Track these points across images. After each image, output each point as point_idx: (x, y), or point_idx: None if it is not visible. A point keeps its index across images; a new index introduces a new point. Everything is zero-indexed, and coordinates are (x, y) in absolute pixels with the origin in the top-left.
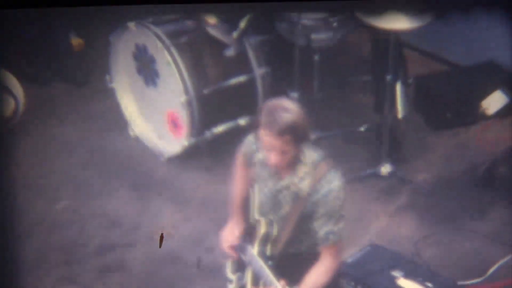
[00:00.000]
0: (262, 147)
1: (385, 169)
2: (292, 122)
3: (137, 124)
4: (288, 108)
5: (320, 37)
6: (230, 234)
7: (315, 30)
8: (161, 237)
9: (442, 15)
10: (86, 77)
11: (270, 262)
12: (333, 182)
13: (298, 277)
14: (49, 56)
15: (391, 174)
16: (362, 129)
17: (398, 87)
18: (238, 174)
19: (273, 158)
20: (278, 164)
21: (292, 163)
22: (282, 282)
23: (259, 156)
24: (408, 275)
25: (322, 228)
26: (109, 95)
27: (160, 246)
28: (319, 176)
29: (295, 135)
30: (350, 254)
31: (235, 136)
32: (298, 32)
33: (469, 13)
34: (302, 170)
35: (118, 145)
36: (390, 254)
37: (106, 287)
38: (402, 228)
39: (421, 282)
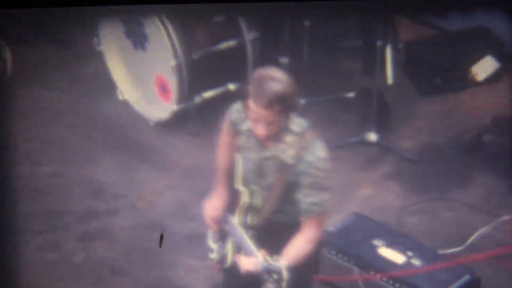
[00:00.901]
0: (249, 117)
1: (372, 136)
2: (280, 92)
3: (126, 88)
4: (276, 78)
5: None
6: (213, 204)
7: None
8: (161, 237)
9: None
10: (74, 38)
11: (251, 232)
12: (318, 152)
13: (279, 247)
14: (36, 17)
15: (377, 142)
16: (351, 95)
17: (388, 53)
18: (223, 143)
19: (260, 129)
20: (265, 135)
21: (280, 132)
22: (263, 252)
23: (246, 125)
24: (390, 245)
25: (305, 199)
26: (97, 58)
27: (160, 246)
28: (304, 145)
29: (283, 106)
30: (333, 223)
31: (224, 101)
32: None
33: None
34: (288, 139)
35: (106, 109)
36: (373, 223)
37: (88, 254)
38: (386, 197)
39: (402, 251)
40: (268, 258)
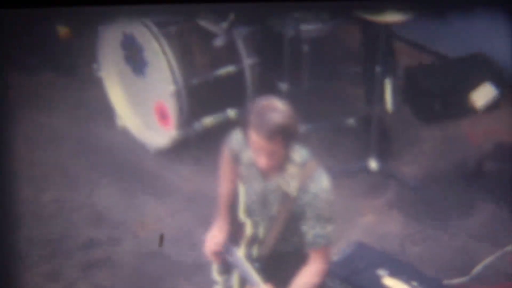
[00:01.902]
0: (250, 147)
1: (373, 163)
2: (281, 124)
3: (125, 114)
4: (278, 109)
5: (310, 28)
6: (214, 238)
7: (305, 21)
8: (161, 238)
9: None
10: (74, 65)
11: (256, 264)
12: (321, 183)
13: (286, 279)
14: (35, 44)
15: (379, 169)
16: (351, 121)
17: (388, 80)
18: (225, 171)
19: (262, 160)
20: (267, 166)
21: (282, 163)
22: (269, 286)
23: (247, 154)
24: (394, 274)
25: (310, 231)
26: (97, 84)
27: (160, 245)
28: (307, 176)
29: (285, 137)
30: (335, 251)
31: (224, 128)
32: (287, 23)
33: (459, 7)
34: (290, 170)
35: (105, 136)
36: (376, 252)
37: (91, 283)
38: (389, 225)
39: (406, 281)
40: None
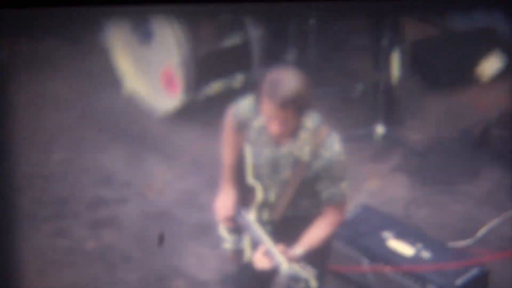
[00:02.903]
0: (263, 115)
1: (379, 130)
2: (295, 93)
3: (132, 81)
4: (291, 77)
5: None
6: (224, 204)
7: None
8: (161, 238)
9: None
10: (79, 33)
11: (267, 228)
12: (334, 147)
13: (297, 240)
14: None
15: (385, 135)
16: (358, 88)
17: (395, 52)
18: (228, 138)
19: (274, 128)
20: (280, 133)
21: (293, 130)
22: (280, 247)
23: (258, 121)
24: (398, 237)
25: (325, 191)
26: (102, 51)
27: (159, 245)
28: (319, 142)
29: (297, 105)
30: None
31: (230, 94)
32: None
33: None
34: (303, 136)
35: (112, 102)
36: (381, 215)
37: (98, 242)
38: (394, 190)
39: (411, 243)
40: (294, 265)
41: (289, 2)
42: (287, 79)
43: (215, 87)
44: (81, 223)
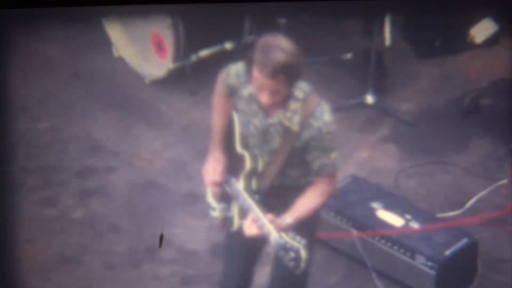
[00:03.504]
0: (253, 84)
1: (370, 98)
2: (286, 63)
3: (121, 45)
4: (282, 47)
5: None
6: (213, 170)
7: None
8: (161, 238)
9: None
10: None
11: (256, 196)
12: (324, 117)
13: (285, 210)
14: None
15: (374, 105)
16: (348, 56)
17: (387, 15)
18: (218, 104)
19: (264, 97)
20: (269, 103)
21: (283, 100)
22: (269, 216)
23: (247, 90)
24: (388, 207)
25: (315, 161)
26: (93, 14)
27: (160, 246)
28: (309, 111)
29: (288, 75)
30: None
31: (221, 60)
32: None
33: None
34: (292, 106)
35: (101, 66)
36: (370, 186)
37: (86, 210)
38: (384, 160)
39: (400, 214)
40: (284, 235)
41: None
42: (278, 48)
43: (204, 53)
44: (69, 192)
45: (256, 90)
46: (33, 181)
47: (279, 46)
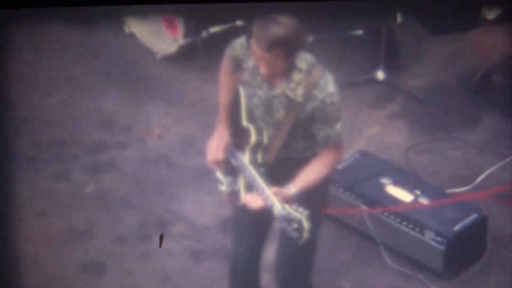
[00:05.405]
0: (252, 57)
1: (380, 74)
2: (282, 36)
3: (133, 21)
4: (279, 21)
5: None
6: (216, 146)
7: None
8: (161, 238)
9: None
10: None
11: (261, 169)
12: (328, 88)
13: (290, 181)
14: None
15: (385, 80)
16: (359, 32)
17: None
18: (224, 79)
19: (263, 69)
20: (268, 75)
21: (285, 71)
22: (274, 189)
23: (251, 62)
24: (397, 183)
25: (320, 133)
26: None
27: (160, 246)
28: (312, 82)
29: (284, 49)
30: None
31: (232, 36)
32: None
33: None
34: (296, 77)
35: (112, 42)
36: (380, 161)
37: (97, 185)
38: (394, 136)
39: (409, 190)
40: (287, 206)
41: None
42: (275, 22)
43: (215, 30)
44: (80, 167)
45: (255, 62)
46: (45, 156)
47: (277, 20)
